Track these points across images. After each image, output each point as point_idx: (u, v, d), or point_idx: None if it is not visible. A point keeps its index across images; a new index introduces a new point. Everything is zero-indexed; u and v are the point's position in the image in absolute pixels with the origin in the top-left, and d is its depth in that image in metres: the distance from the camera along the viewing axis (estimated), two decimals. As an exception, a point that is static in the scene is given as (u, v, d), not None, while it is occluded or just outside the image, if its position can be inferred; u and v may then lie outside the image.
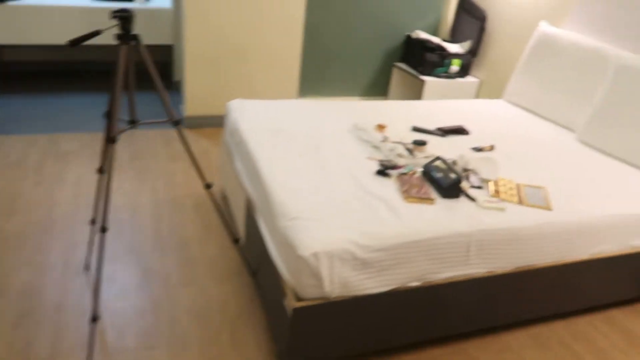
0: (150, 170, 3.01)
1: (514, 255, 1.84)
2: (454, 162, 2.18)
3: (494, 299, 1.90)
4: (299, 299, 1.58)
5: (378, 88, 4.39)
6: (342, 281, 1.58)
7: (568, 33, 2.97)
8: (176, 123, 1.71)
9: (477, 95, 4.01)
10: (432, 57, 3.82)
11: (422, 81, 3.82)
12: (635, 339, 2.12)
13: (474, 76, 4.01)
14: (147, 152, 3.22)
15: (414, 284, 1.71)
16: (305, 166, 1.99)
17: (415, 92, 4.25)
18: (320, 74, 4.15)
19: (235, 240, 2.02)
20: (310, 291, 1.57)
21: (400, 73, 4.23)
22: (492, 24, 3.81)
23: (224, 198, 2.79)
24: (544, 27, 3.10)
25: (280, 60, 3.70)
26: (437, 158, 2.07)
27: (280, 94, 3.83)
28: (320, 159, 2.07)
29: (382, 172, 2.01)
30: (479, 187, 2.01)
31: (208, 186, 1.85)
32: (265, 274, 1.90)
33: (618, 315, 2.27)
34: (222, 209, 2.68)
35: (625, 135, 2.44)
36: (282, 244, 1.65)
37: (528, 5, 3.46)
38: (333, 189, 1.84)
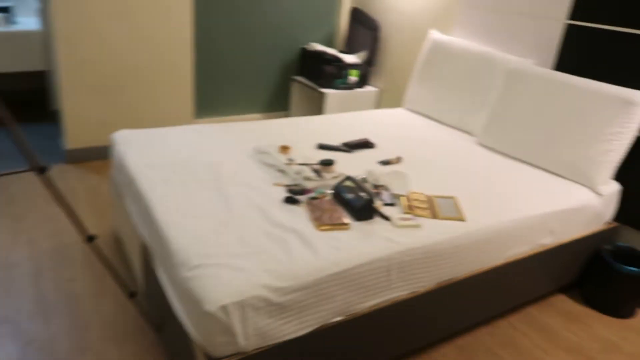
0: (27, 217, 2.61)
1: (435, 272, 1.78)
2: (364, 180, 2.09)
3: (420, 318, 1.83)
4: (210, 358, 1.38)
5: (278, 103, 4.26)
6: (258, 332, 1.40)
7: (457, 40, 3.05)
8: (41, 170, 1.43)
9: (379, 105, 4.02)
10: (330, 69, 3.77)
11: (323, 94, 3.75)
12: (552, 335, 2.16)
13: (373, 85, 4.03)
14: (22, 195, 2.80)
15: (338, 319, 1.58)
16: (205, 202, 1.79)
17: (317, 105, 4.18)
18: (216, 93, 3.93)
19: (131, 295, 1.76)
20: (222, 349, 1.37)
21: (299, 87, 4.14)
22: (385, 34, 3.85)
23: (118, 242, 2.48)
24: (435, 35, 3.16)
25: (171, 81, 3.44)
26: (347, 177, 1.97)
27: (175, 117, 3.56)
28: (221, 192, 1.87)
29: (291, 199, 1.87)
30: (392, 204, 1.94)
31: (90, 239, 1.58)
32: (171, 331, 1.67)
33: (534, 311, 2.31)
34: (110, 261, 2.37)
35: (520, 135, 2.51)
36: (185, 297, 1.44)
37: (417, 14, 3.53)
38: (238, 226, 1.66)
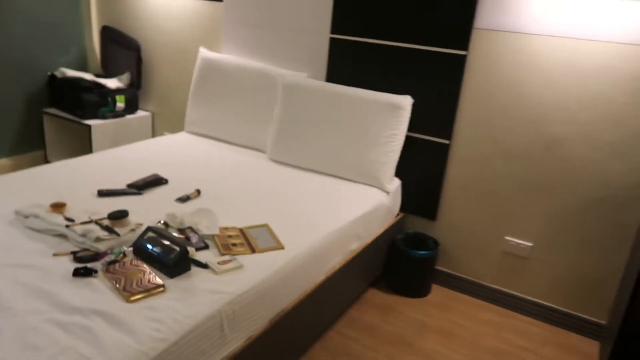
0: None
1: (266, 310, 1.67)
2: (167, 226, 1.85)
3: (259, 363, 1.71)
4: None
5: (29, 143, 3.54)
6: None
7: (229, 57, 2.97)
8: None
9: (156, 130, 3.70)
10: (90, 96, 3.29)
11: (87, 126, 3.26)
12: (375, 331, 2.28)
13: (145, 110, 3.68)
14: None
15: (174, 401, 1.34)
16: (-43, 305, 1.32)
17: (83, 140, 3.62)
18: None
19: None
20: None
21: (54, 120, 3.52)
22: (149, 54, 3.54)
23: None
24: (204, 53, 3.03)
25: None
26: (148, 228, 1.70)
27: None
28: (-20, 284, 1.41)
29: (82, 269, 1.52)
30: (205, 247, 1.75)
31: None
32: None
33: (354, 313, 2.41)
34: None
35: (308, 147, 2.57)
36: None
37: (182, 31, 3.33)
38: (20, 328, 1.25)
